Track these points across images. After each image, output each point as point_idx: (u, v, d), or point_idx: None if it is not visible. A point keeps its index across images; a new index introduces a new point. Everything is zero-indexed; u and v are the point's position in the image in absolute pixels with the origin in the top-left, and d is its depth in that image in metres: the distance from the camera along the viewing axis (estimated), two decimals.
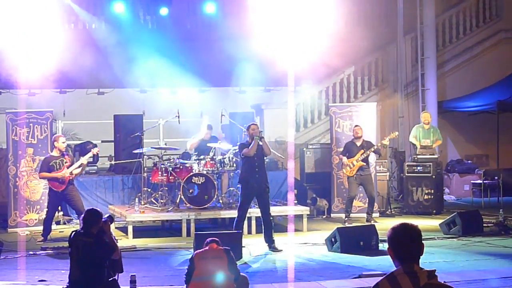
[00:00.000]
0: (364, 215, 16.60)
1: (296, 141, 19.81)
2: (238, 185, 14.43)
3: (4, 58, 17.50)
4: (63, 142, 14.75)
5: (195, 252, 9.17)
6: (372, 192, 16.57)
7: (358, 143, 16.48)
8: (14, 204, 16.06)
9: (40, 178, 15.35)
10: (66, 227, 16.21)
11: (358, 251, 12.96)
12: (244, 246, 12.78)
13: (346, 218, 16.29)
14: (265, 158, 14.00)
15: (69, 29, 19.90)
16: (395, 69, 22.55)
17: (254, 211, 14.68)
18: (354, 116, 17.94)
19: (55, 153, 14.72)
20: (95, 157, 17.20)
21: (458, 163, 22.23)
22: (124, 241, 14.15)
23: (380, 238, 13.16)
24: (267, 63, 18.58)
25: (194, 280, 8.62)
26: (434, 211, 17.87)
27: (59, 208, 16.07)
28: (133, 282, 8.65)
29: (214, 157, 15.85)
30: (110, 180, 17.66)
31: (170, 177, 15.75)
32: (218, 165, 15.81)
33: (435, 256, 12.49)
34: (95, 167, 18.06)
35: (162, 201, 15.82)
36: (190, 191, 15.39)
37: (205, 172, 15.57)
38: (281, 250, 13.30)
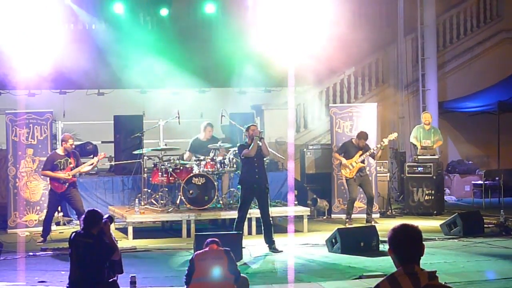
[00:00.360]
0: (365, 215, 16.57)
1: (297, 141, 19.79)
2: (238, 186, 14.41)
3: (3, 59, 17.48)
4: (71, 144, 14.71)
5: (195, 253, 9.15)
6: (371, 192, 16.56)
7: (357, 145, 16.45)
8: (13, 205, 16.05)
9: (42, 175, 15.34)
10: (66, 228, 16.20)
11: (359, 252, 12.95)
12: (244, 247, 12.76)
13: (347, 220, 16.27)
14: (264, 158, 13.98)
15: (68, 29, 19.86)
16: (395, 69, 22.54)
17: (254, 212, 14.66)
18: (355, 116, 17.93)
19: (60, 151, 14.71)
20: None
21: (459, 163, 22.21)
22: (124, 242, 14.14)
23: (380, 239, 13.15)
24: (267, 64, 18.57)
25: (194, 281, 8.61)
26: (435, 212, 17.86)
27: (59, 208, 16.07)
28: (133, 283, 8.64)
29: (214, 158, 15.84)
30: (110, 181, 17.64)
31: (170, 178, 15.74)
32: (218, 166, 15.80)
33: (436, 257, 12.48)
34: (95, 168, 18.02)
35: (162, 202, 15.81)
36: (190, 192, 15.37)
37: (205, 173, 15.55)
38: (281, 251, 13.29)
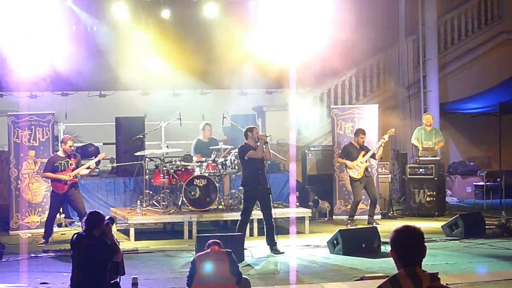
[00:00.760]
0: (366, 217, 16.57)
1: (298, 143, 19.80)
2: (240, 188, 14.42)
3: (5, 61, 17.48)
4: (70, 146, 14.73)
5: (197, 255, 9.16)
6: (375, 194, 16.57)
7: (358, 145, 16.46)
8: (16, 206, 16.06)
9: (43, 177, 15.37)
10: (68, 230, 16.21)
11: (360, 253, 12.95)
12: (246, 249, 12.77)
13: (349, 221, 16.26)
14: (267, 162, 13.98)
15: (70, 31, 19.87)
16: (396, 71, 22.54)
17: (256, 214, 14.64)
18: (356, 118, 17.93)
19: (61, 153, 14.72)
20: (98, 161, 17.19)
21: (460, 165, 22.22)
22: (126, 244, 14.15)
23: (382, 240, 13.16)
24: (268, 65, 18.57)
25: (196, 283, 8.62)
26: (436, 213, 17.85)
27: (61, 210, 16.09)
28: (135, 284, 8.64)
29: (215, 159, 15.84)
30: (112, 183, 17.65)
31: (172, 180, 15.75)
32: (220, 167, 15.80)
33: (438, 258, 12.48)
34: (97, 170, 18.03)
35: (164, 203, 15.83)
36: (192, 193, 15.38)
37: (206, 175, 15.56)
38: (283, 253, 13.28)
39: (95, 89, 21.07)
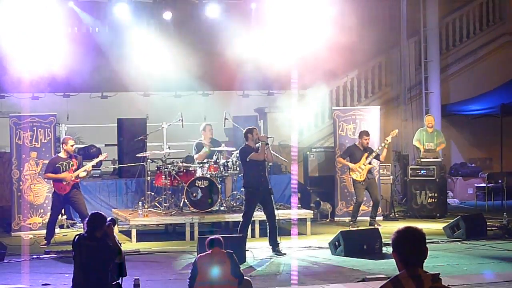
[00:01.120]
0: (368, 218, 16.57)
1: (300, 144, 19.76)
2: (241, 189, 14.42)
3: (7, 62, 17.50)
4: (72, 146, 14.73)
5: (198, 256, 9.17)
6: (377, 196, 16.56)
7: (362, 147, 16.46)
8: (17, 207, 16.06)
9: (44, 178, 15.38)
10: (70, 231, 16.23)
11: (362, 254, 12.96)
12: (247, 250, 12.78)
13: (351, 222, 16.27)
14: (269, 163, 13.99)
15: (72, 32, 19.88)
16: (398, 72, 22.54)
17: (258, 215, 14.67)
18: (358, 119, 17.93)
19: (62, 154, 14.72)
20: (99, 162, 17.21)
21: (462, 166, 22.20)
22: (127, 245, 14.18)
23: (383, 242, 13.16)
24: (270, 67, 18.57)
25: (197, 285, 8.63)
26: (438, 215, 17.86)
27: (63, 211, 16.10)
28: (136, 285, 8.65)
29: (217, 160, 15.84)
30: (113, 184, 17.66)
31: (174, 181, 15.76)
32: (222, 168, 15.80)
33: (439, 259, 12.49)
34: (99, 171, 18.06)
35: (165, 204, 15.84)
36: (194, 194, 15.39)
37: (208, 176, 15.56)
38: (285, 254, 13.29)
39: (97, 91, 21.09)
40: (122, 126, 18.38)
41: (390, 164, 19.28)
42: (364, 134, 16.51)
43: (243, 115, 19.19)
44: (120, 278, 8.80)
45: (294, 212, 15.83)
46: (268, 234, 13.55)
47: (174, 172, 15.75)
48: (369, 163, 16.30)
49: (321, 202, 17.87)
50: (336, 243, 13.26)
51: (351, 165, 16.35)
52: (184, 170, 15.91)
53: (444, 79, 22.47)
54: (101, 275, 8.47)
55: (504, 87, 21.92)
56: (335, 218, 17.65)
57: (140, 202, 15.69)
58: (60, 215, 15.68)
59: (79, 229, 15.53)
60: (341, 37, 18.15)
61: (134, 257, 13.00)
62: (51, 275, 11.63)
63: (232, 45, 18.81)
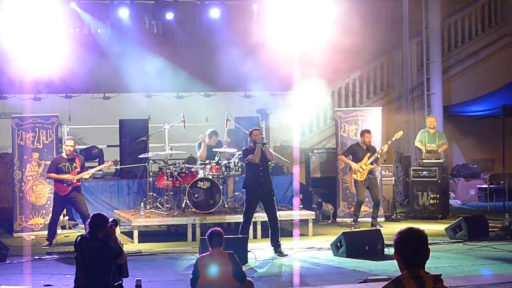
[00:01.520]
0: (370, 219, 16.57)
1: (302, 145, 19.76)
2: (243, 190, 14.44)
3: (9, 63, 17.51)
4: (72, 146, 14.62)
5: (199, 256, 9.16)
6: (378, 196, 16.56)
7: (364, 146, 16.46)
8: (19, 208, 16.07)
9: (47, 178, 15.37)
10: (72, 232, 16.23)
11: (364, 255, 12.95)
12: (249, 251, 12.77)
13: (353, 223, 16.27)
14: (269, 163, 13.99)
15: (74, 33, 19.92)
16: (400, 73, 22.54)
17: (260, 216, 14.69)
18: (360, 120, 17.93)
19: (65, 155, 14.71)
20: (100, 162, 17.25)
21: (464, 167, 22.19)
22: (129, 246, 14.17)
23: (385, 243, 13.15)
24: (272, 68, 18.57)
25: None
26: (440, 216, 17.85)
27: (65, 212, 16.10)
28: (138, 286, 8.65)
29: (219, 161, 15.85)
30: (115, 185, 17.66)
31: (176, 182, 15.76)
32: (224, 169, 15.81)
33: (441, 260, 12.48)
34: (101, 172, 18.04)
35: (167, 205, 15.84)
36: (196, 195, 15.39)
37: (210, 177, 15.57)
38: (287, 255, 13.29)
39: (99, 91, 21.12)
40: (124, 127, 18.38)
41: (392, 165, 19.28)
42: (366, 132, 16.54)
43: (245, 116, 19.18)
44: (122, 279, 8.81)
45: (296, 213, 15.84)
46: (270, 235, 13.55)
47: (176, 173, 15.75)
48: (371, 163, 16.30)
49: (323, 203, 17.87)
50: (338, 244, 13.26)
51: (353, 164, 16.34)
52: (186, 171, 15.91)
53: (446, 80, 22.46)
54: (103, 276, 8.48)
55: (506, 88, 21.91)
56: (337, 219, 17.64)
57: (142, 203, 15.70)
58: (62, 216, 15.69)
59: (81, 230, 15.54)
60: (343, 38, 18.16)
61: (136, 258, 13.01)
62: (53, 276, 11.63)
63: (233, 46, 18.82)
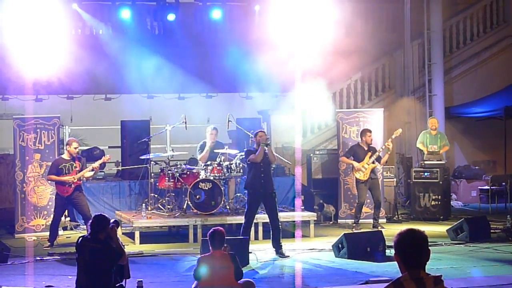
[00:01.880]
0: (371, 220, 16.56)
1: (303, 146, 19.79)
2: (244, 191, 14.44)
3: (11, 64, 17.53)
4: (75, 148, 14.71)
5: (201, 256, 9.17)
6: (379, 197, 16.55)
7: (365, 147, 16.46)
8: (21, 209, 16.07)
9: (47, 180, 15.38)
10: (73, 233, 16.24)
11: (365, 257, 12.95)
12: (251, 252, 12.78)
13: (355, 224, 16.27)
14: (271, 164, 14.00)
15: (75, 34, 19.92)
16: (402, 75, 22.54)
17: (261, 217, 14.69)
18: (361, 122, 17.92)
19: (65, 156, 14.71)
20: (102, 163, 17.23)
21: (465, 169, 22.19)
22: (131, 247, 14.17)
23: (387, 244, 13.14)
24: (274, 69, 18.57)
25: None
26: (441, 217, 17.84)
27: (66, 213, 16.10)
28: (140, 287, 8.65)
29: (221, 163, 15.84)
30: (117, 186, 17.66)
31: (177, 183, 15.76)
32: (225, 171, 15.80)
33: (442, 262, 12.48)
34: (102, 173, 18.06)
35: (169, 206, 15.83)
36: (197, 197, 15.39)
37: (212, 178, 15.55)
38: (288, 256, 13.29)
39: (100, 93, 21.12)
40: (126, 128, 18.38)
41: (393, 167, 19.27)
42: (367, 131, 16.53)
43: (247, 117, 19.18)
44: (124, 280, 8.82)
45: (298, 215, 15.83)
46: (271, 236, 13.55)
47: (178, 174, 15.75)
48: (373, 162, 16.30)
49: (325, 204, 17.87)
50: (340, 246, 13.25)
51: (355, 163, 16.33)
52: (188, 172, 15.90)
53: (447, 82, 22.46)
54: (105, 277, 8.49)
55: (508, 90, 21.91)
56: (339, 221, 17.64)
57: (143, 204, 15.71)
58: (63, 217, 15.69)
59: (83, 231, 15.56)
60: (344, 39, 18.19)
61: (137, 259, 13.02)
62: (55, 277, 11.63)
63: (235, 47, 18.82)
